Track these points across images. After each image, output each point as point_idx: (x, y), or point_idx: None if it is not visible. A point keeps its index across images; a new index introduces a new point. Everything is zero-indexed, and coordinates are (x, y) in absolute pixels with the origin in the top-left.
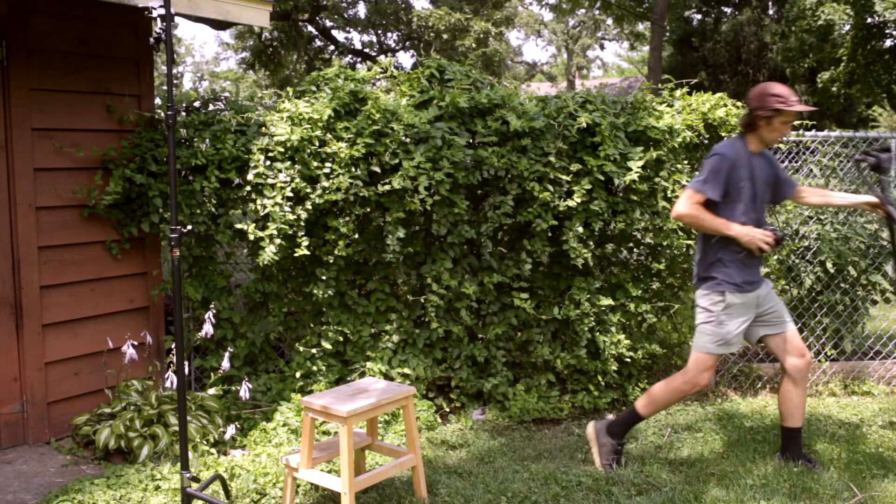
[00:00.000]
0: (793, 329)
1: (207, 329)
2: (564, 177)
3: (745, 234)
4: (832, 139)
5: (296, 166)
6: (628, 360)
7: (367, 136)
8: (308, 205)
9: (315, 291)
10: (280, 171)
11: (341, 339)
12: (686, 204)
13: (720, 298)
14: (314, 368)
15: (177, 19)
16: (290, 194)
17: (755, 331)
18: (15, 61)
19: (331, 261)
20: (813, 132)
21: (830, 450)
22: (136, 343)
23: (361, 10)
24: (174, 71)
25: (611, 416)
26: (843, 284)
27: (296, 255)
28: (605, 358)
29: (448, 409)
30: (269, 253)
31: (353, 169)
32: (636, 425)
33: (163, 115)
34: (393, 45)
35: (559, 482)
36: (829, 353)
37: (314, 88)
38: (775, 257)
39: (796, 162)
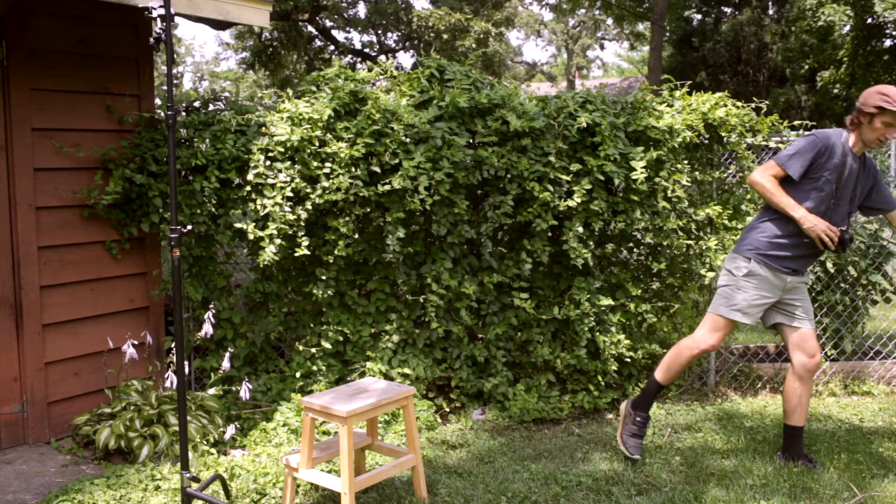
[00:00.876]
0: (811, 329)
1: (207, 329)
2: (564, 177)
3: (808, 221)
4: None
5: (296, 166)
6: (628, 360)
7: (367, 136)
8: (308, 205)
9: (315, 291)
10: (280, 171)
11: (341, 339)
12: (763, 174)
13: (745, 264)
14: (314, 368)
15: (177, 19)
16: (290, 194)
17: (772, 315)
18: (15, 61)
19: (331, 261)
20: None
21: (830, 450)
22: (136, 343)
23: (361, 10)
24: (174, 71)
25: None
26: (843, 284)
27: (296, 255)
28: (605, 358)
29: (448, 409)
30: (269, 253)
31: (353, 169)
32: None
33: (163, 115)
34: (393, 45)
35: (559, 482)
36: (829, 353)
37: (314, 88)
38: None
39: None
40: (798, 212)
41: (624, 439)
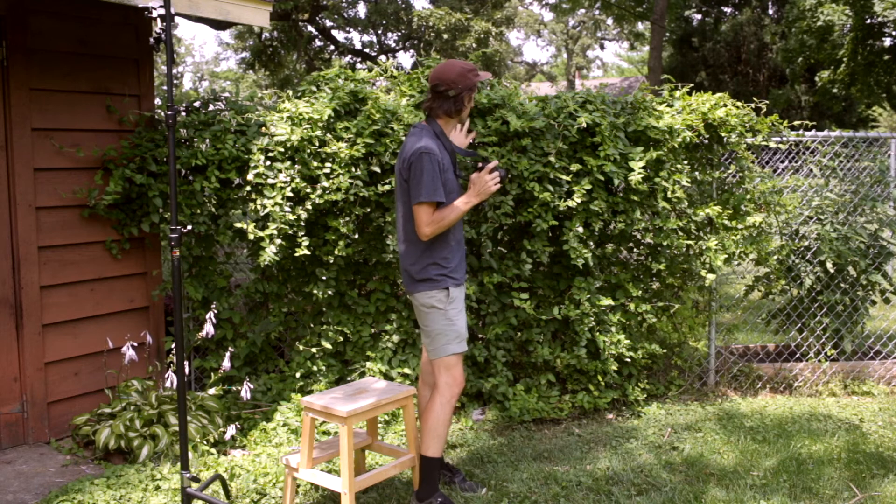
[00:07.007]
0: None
1: (208, 329)
2: (564, 177)
3: (475, 195)
4: (832, 139)
5: (296, 166)
6: (628, 360)
7: (367, 136)
8: (308, 205)
9: (315, 291)
10: (280, 171)
11: (341, 339)
12: (429, 224)
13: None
14: (314, 368)
15: (177, 19)
16: (290, 194)
17: None
18: (15, 61)
19: (331, 261)
20: (813, 132)
21: (830, 450)
22: (136, 343)
23: (361, 10)
24: (174, 71)
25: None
26: (843, 284)
27: (296, 255)
28: (604, 358)
29: None
30: (269, 253)
31: (353, 169)
32: (634, 424)
33: (163, 115)
34: (393, 45)
35: (559, 482)
36: (829, 353)
37: (314, 88)
38: (775, 257)
39: (796, 162)
40: (466, 203)
41: None
